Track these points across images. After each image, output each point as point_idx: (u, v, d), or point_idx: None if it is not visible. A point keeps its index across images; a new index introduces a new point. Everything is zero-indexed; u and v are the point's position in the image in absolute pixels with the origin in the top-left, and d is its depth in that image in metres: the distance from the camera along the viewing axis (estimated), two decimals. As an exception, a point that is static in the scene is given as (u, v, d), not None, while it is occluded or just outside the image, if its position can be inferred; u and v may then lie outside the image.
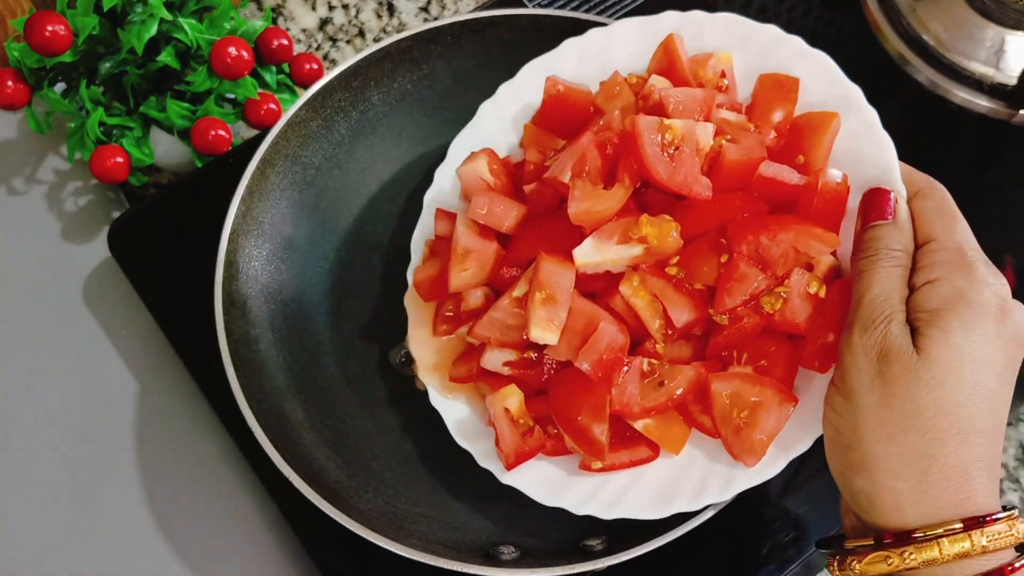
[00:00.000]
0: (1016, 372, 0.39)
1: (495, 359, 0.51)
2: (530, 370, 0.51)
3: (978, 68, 0.71)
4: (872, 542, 0.39)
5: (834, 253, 0.47)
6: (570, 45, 0.57)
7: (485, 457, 0.52)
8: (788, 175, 0.47)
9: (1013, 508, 0.38)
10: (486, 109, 0.58)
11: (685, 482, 0.49)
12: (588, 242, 0.48)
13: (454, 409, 0.54)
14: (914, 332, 0.39)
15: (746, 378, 0.47)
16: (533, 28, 0.64)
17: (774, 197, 0.48)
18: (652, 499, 0.49)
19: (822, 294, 0.46)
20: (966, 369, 0.37)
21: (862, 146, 0.47)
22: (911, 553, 0.37)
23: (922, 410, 0.37)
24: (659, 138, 0.47)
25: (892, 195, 0.44)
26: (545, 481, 0.51)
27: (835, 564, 0.41)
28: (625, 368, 0.48)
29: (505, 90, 0.58)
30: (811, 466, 0.60)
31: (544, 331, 0.48)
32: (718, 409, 0.47)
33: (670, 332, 0.48)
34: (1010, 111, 0.69)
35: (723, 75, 0.53)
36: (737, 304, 0.47)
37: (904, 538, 0.38)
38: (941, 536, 0.36)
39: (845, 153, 0.48)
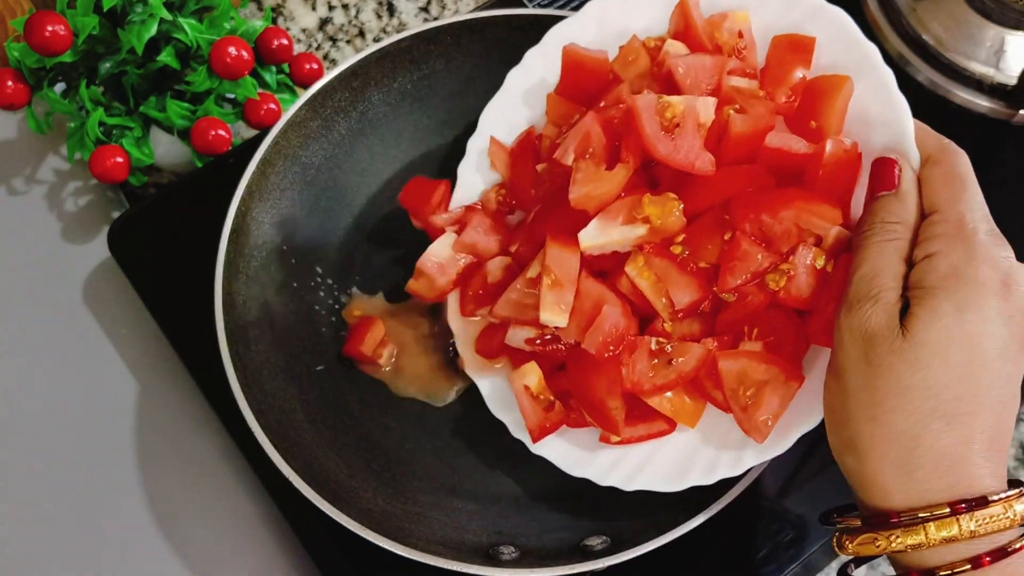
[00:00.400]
0: (1007, 356, 0.38)
1: (518, 336, 0.52)
2: (550, 346, 0.52)
3: (978, 68, 0.71)
4: (860, 523, 0.39)
5: (846, 224, 0.45)
6: (593, 7, 0.56)
7: (517, 428, 0.53)
8: (795, 144, 0.46)
9: (1021, 485, 0.37)
10: (514, 77, 0.58)
11: (700, 456, 0.49)
12: (593, 224, 0.49)
13: (490, 381, 0.55)
14: (907, 309, 0.37)
15: (754, 356, 0.47)
16: (533, 28, 0.64)
17: (782, 167, 0.47)
18: (669, 472, 0.50)
19: (829, 269, 0.45)
20: (953, 349, 0.36)
21: (876, 109, 0.45)
22: (897, 536, 0.36)
23: (906, 391, 0.36)
24: (659, 116, 0.47)
25: (896, 165, 0.42)
26: (571, 452, 0.52)
27: (834, 541, 0.41)
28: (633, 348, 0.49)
29: (532, 56, 0.58)
30: (811, 466, 0.60)
31: (553, 314, 0.49)
32: (727, 387, 0.47)
33: (676, 311, 0.49)
34: (1010, 111, 0.69)
35: (740, 35, 0.52)
36: (740, 283, 0.46)
37: (890, 521, 0.37)
38: (928, 520, 0.36)
39: (858, 116, 0.46)
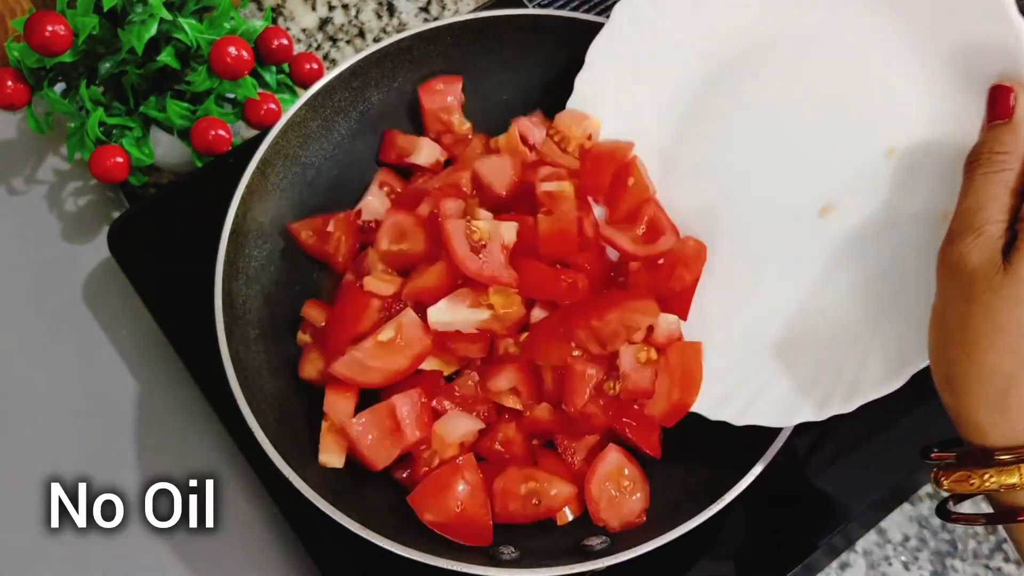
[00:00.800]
0: None
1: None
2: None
3: (978, 68, 0.70)
4: (955, 459, 0.38)
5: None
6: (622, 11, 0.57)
7: None
8: (620, 241, 0.56)
9: None
10: (621, 11, 0.57)
11: (813, 391, 0.49)
12: (443, 303, 0.55)
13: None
14: (1012, 244, 0.36)
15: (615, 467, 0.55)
16: (533, 28, 0.64)
17: (609, 265, 0.57)
18: (780, 407, 0.50)
19: (654, 357, 0.53)
20: None
21: (991, 32, 0.43)
22: (991, 476, 0.36)
23: (1002, 329, 0.35)
24: (467, 238, 0.55)
25: (1012, 92, 0.40)
26: None
27: (931, 476, 0.40)
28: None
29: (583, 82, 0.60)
30: (812, 467, 0.60)
31: (330, 456, 0.55)
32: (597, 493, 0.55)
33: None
34: (1010, 111, 0.69)
35: (589, 138, 0.60)
36: (585, 400, 0.54)
37: (984, 459, 0.36)
38: (1022, 461, 0.35)
39: (972, 41, 0.44)
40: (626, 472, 0.55)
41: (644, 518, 0.54)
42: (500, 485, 0.55)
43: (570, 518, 0.55)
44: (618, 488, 0.55)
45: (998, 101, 0.40)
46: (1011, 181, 0.38)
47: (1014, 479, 0.36)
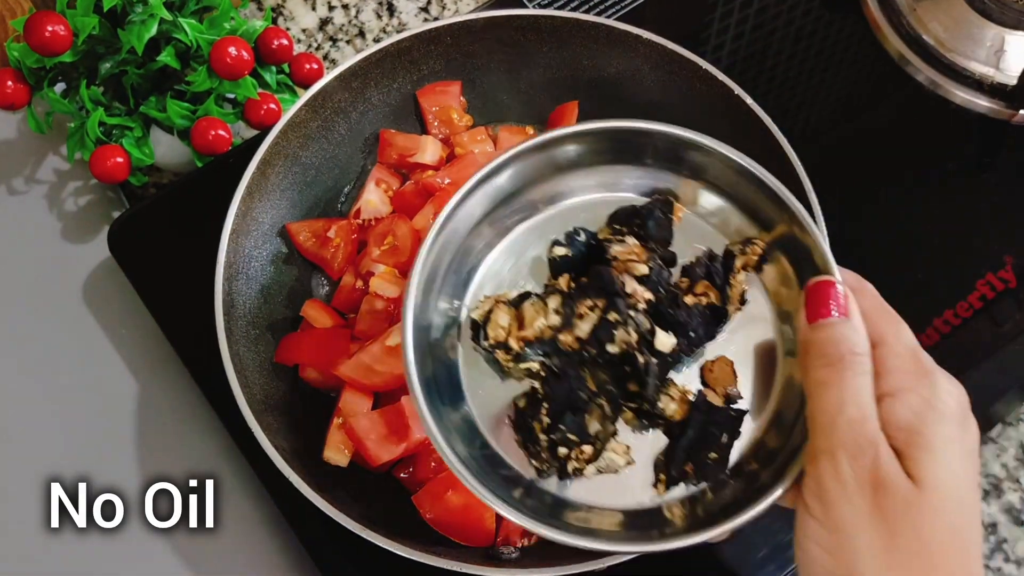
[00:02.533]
0: (980, 487, 0.37)
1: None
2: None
3: (978, 68, 0.71)
4: None
5: None
6: None
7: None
8: None
9: None
10: None
11: None
12: None
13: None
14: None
15: None
16: (533, 28, 0.64)
17: None
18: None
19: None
20: (961, 489, 0.34)
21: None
22: None
23: (928, 545, 0.33)
24: None
25: (840, 287, 0.38)
26: None
27: None
28: None
29: None
30: (811, 466, 0.60)
31: (335, 454, 0.55)
32: None
33: None
34: (1010, 111, 0.69)
35: None
36: None
37: None
38: None
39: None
40: None
41: None
42: (504, 522, 0.54)
43: None
44: None
45: (831, 296, 0.38)
46: (872, 386, 0.36)
47: None
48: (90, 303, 0.65)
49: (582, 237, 0.45)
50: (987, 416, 0.63)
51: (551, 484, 0.43)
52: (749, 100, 0.58)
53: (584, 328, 0.42)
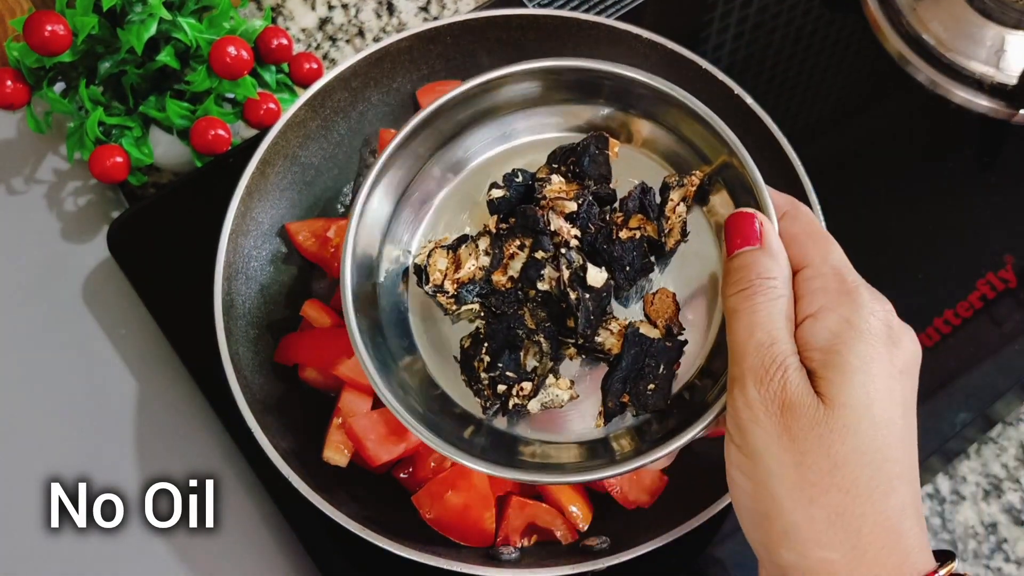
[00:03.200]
0: (914, 404, 0.35)
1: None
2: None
3: (978, 68, 0.71)
4: None
5: None
6: None
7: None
8: None
9: (948, 557, 0.34)
10: None
11: None
12: None
13: None
14: (809, 375, 0.34)
15: None
16: (533, 28, 0.64)
17: None
18: None
19: None
20: (876, 408, 0.33)
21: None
22: None
23: (841, 465, 0.33)
24: None
25: (755, 217, 0.39)
26: None
27: None
28: None
29: None
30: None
31: (335, 454, 0.56)
32: None
33: None
34: (1010, 111, 0.69)
35: None
36: None
37: None
38: None
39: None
40: None
41: (667, 478, 0.55)
42: (503, 522, 0.54)
43: (568, 540, 0.55)
44: None
45: (745, 227, 0.38)
46: (788, 308, 0.36)
47: None
48: (89, 303, 0.65)
49: (520, 179, 0.45)
50: (987, 416, 0.63)
51: (502, 422, 0.45)
52: (749, 100, 0.58)
53: (515, 267, 0.43)
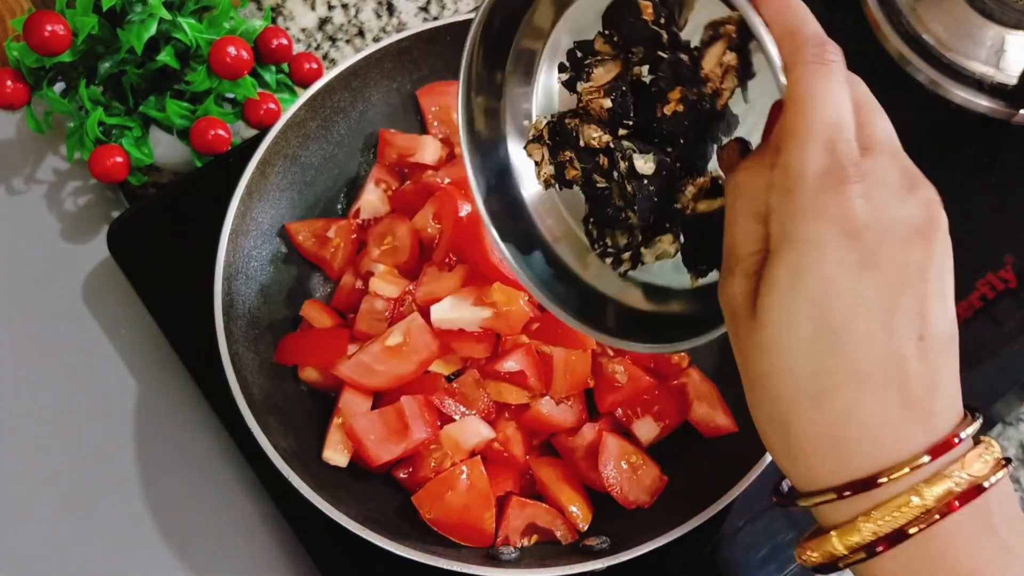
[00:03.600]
0: (911, 271, 0.31)
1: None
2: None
3: (978, 68, 0.70)
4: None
5: None
6: None
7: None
8: None
9: (920, 455, 0.31)
10: None
11: None
12: (446, 301, 0.56)
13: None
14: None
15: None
16: (533, 28, 0.64)
17: None
18: None
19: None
20: (798, 324, 0.31)
21: None
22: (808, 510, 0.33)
23: (766, 375, 0.32)
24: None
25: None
26: None
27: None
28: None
29: None
30: (811, 466, 0.60)
31: (335, 454, 0.56)
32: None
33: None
34: (1010, 111, 0.69)
35: None
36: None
37: (782, 503, 0.34)
38: (822, 503, 0.32)
39: None
40: (630, 449, 0.56)
41: (667, 479, 0.56)
42: (503, 522, 0.55)
43: (568, 540, 0.55)
44: (631, 464, 0.55)
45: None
46: (756, 204, 0.33)
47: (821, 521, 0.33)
48: (89, 303, 0.65)
49: (580, 55, 0.44)
50: (987, 416, 0.63)
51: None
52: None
53: (575, 172, 0.44)
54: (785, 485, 0.36)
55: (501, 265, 0.53)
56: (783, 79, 0.33)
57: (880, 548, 0.31)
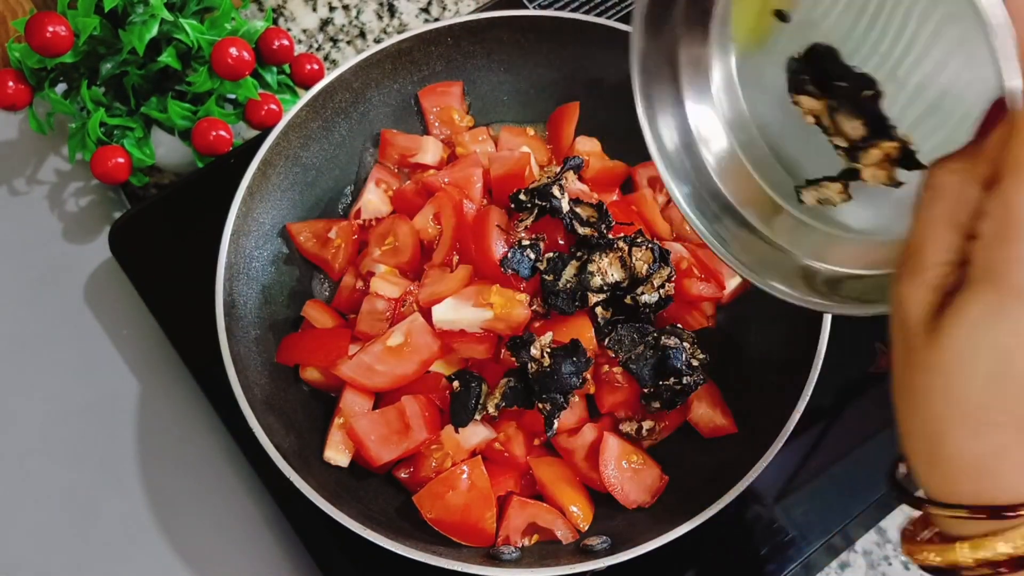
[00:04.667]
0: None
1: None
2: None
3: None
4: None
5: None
6: None
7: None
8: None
9: None
10: None
11: None
12: (448, 301, 0.56)
13: None
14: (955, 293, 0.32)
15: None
16: (533, 29, 0.64)
17: None
18: None
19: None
20: (982, 360, 0.31)
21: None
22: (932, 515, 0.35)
23: (928, 392, 0.33)
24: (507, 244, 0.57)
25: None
26: None
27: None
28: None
29: None
30: (811, 467, 0.60)
31: (336, 453, 0.56)
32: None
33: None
34: (1010, 112, 0.69)
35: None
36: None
37: (920, 504, 0.35)
38: (954, 517, 0.34)
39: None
40: (631, 449, 0.56)
41: (667, 478, 0.56)
42: (504, 522, 0.55)
43: (569, 539, 0.56)
44: (631, 464, 0.56)
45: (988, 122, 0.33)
46: (958, 215, 0.32)
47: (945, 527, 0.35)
48: (91, 304, 0.65)
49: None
50: None
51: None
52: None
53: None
54: (902, 469, 0.38)
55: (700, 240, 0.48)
56: (1012, 83, 0.30)
57: (1003, 569, 0.33)
